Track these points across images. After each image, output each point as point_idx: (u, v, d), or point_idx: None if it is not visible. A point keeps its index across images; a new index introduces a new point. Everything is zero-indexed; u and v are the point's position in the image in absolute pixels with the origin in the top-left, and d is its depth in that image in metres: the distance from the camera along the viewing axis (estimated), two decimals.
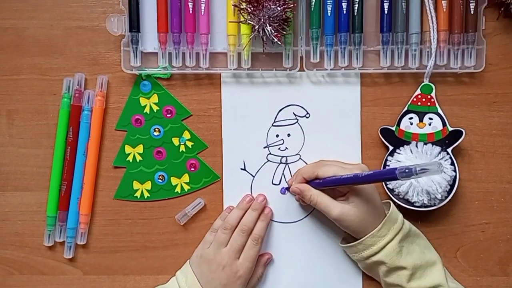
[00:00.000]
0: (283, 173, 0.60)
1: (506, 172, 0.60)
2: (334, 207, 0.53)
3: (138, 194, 0.60)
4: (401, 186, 0.56)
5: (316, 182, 0.55)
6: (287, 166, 0.60)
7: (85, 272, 0.61)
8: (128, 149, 0.60)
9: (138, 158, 0.60)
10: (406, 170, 0.43)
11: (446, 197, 0.56)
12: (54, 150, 0.59)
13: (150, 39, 0.58)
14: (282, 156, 0.60)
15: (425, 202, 0.56)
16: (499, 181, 0.60)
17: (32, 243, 0.61)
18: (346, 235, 0.58)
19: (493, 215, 0.60)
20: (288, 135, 0.60)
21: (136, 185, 0.60)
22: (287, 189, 0.60)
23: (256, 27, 0.55)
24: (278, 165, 0.60)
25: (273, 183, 0.60)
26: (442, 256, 0.58)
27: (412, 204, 0.57)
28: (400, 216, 0.55)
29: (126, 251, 0.60)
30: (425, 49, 0.58)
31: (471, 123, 0.59)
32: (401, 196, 0.57)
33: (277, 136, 0.60)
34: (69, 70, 0.60)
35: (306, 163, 0.60)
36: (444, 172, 0.55)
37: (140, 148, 0.60)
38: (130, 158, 0.60)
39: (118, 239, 0.60)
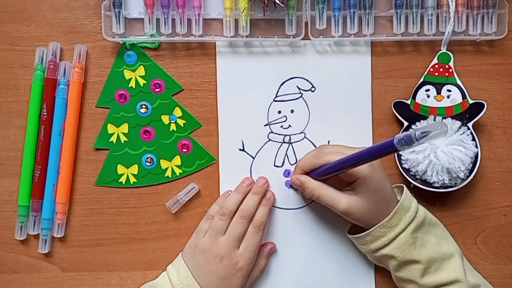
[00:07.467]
0: (286, 154, 0.56)
1: None
2: (340, 200, 0.49)
3: (123, 179, 0.56)
4: (419, 165, 0.52)
5: (314, 173, 0.51)
6: (290, 146, 0.56)
7: (63, 269, 0.56)
8: (111, 128, 0.56)
9: (123, 138, 0.56)
10: (405, 138, 0.38)
11: (468, 176, 0.52)
12: (26, 131, 0.55)
13: (135, 3, 0.54)
14: (285, 135, 0.56)
15: (446, 182, 0.51)
16: None
17: (2, 237, 0.56)
18: (354, 224, 0.54)
19: None
20: (292, 111, 0.56)
21: (120, 169, 0.56)
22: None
23: None
24: (281, 145, 0.56)
25: (275, 165, 0.56)
26: (461, 243, 0.55)
27: (430, 185, 0.53)
28: (414, 202, 0.50)
29: (110, 244, 0.56)
30: (442, 14, 0.53)
31: (491, 96, 0.56)
32: (418, 177, 0.53)
33: (279, 112, 0.56)
34: (42, 39, 0.55)
35: (312, 142, 0.56)
36: (464, 148, 0.51)
37: (124, 128, 0.56)
38: (113, 139, 0.56)
39: (101, 231, 0.56)
